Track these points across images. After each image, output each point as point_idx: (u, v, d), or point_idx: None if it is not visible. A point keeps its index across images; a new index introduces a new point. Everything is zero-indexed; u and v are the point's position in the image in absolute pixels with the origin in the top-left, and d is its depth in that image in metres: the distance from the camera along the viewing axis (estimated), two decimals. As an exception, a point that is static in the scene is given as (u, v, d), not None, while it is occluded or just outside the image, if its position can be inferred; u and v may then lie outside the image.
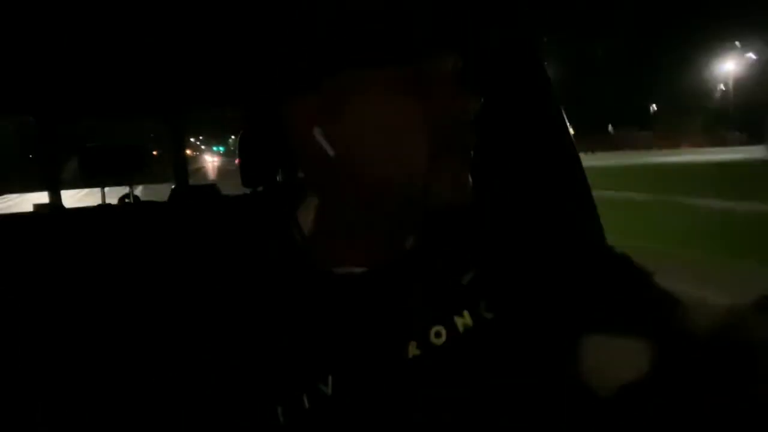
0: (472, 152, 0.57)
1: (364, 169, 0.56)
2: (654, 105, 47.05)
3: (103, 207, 2.14)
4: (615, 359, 0.53)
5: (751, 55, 38.25)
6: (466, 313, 0.56)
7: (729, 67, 41.25)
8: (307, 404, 0.53)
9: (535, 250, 0.59)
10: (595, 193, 1.06)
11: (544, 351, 0.55)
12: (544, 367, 0.55)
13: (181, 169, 2.56)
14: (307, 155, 0.58)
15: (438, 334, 0.55)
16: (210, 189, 2.34)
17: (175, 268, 0.67)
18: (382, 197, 0.56)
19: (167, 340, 0.59)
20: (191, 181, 2.83)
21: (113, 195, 2.62)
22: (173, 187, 2.46)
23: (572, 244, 0.61)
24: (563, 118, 1.02)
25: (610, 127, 43.36)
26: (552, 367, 0.55)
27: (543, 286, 0.57)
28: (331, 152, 0.57)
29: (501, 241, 0.61)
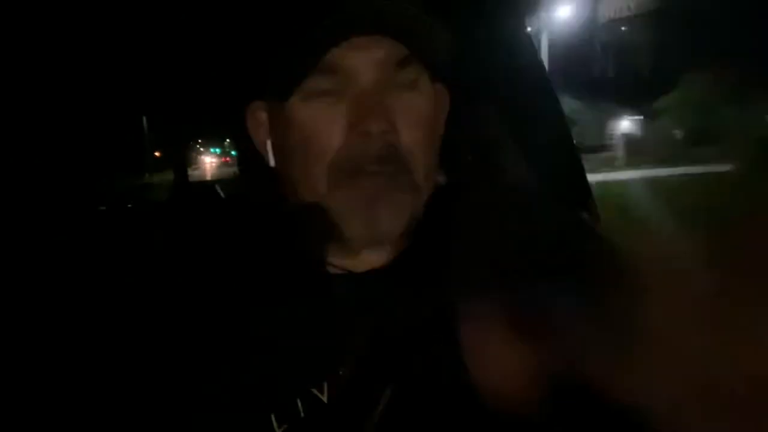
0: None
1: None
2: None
3: None
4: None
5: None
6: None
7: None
8: (301, 411, 0.51)
9: (535, 254, 0.55)
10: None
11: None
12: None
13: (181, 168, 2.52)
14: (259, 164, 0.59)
15: (434, 340, 0.52)
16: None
17: (168, 266, 0.65)
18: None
19: (163, 343, 0.56)
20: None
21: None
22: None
23: (572, 247, 0.57)
24: (561, 111, 0.99)
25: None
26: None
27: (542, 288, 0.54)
28: (272, 163, 0.58)
29: (500, 244, 0.57)
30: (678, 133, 13.70)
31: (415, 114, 0.55)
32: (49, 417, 1.04)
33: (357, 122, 0.52)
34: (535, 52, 1.00)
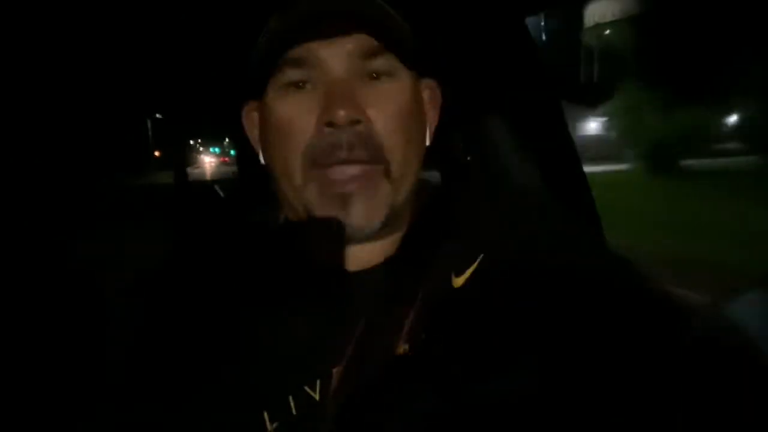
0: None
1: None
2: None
3: None
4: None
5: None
6: (458, 314, 0.52)
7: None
8: (294, 409, 0.49)
9: (536, 254, 0.54)
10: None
11: (545, 355, 0.50)
12: (547, 372, 0.50)
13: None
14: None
15: (429, 337, 0.51)
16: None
17: (165, 264, 0.63)
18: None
19: (158, 341, 0.54)
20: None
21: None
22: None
23: (573, 249, 0.56)
24: (562, 114, 0.96)
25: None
26: (554, 372, 0.50)
27: (544, 289, 0.52)
28: (262, 160, 0.57)
29: (497, 242, 0.56)
30: (613, 135, 14.07)
31: (388, 104, 0.53)
32: (49, 417, 1.03)
33: (325, 111, 0.51)
34: (536, 52, 0.97)
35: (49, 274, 1.35)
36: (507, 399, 0.49)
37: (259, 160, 0.63)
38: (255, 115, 0.61)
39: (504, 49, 0.97)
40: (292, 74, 0.53)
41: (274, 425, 0.49)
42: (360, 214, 0.52)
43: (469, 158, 0.98)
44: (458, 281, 0.53)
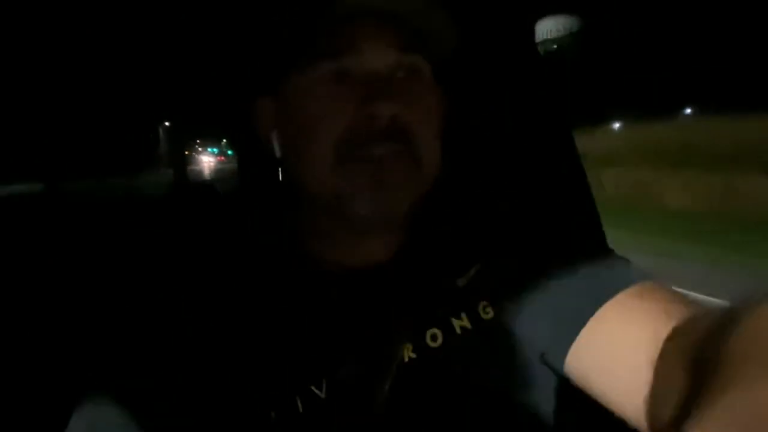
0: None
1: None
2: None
3: None
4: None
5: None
6: (464, 315, 0.48)
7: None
8: (300, 408, 0.46)
9: (536, 250, 0.51)
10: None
11: (544, 350, 0.47)
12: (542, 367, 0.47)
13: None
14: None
15: (434, 337, 0.48)
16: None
17: (171, 266, 0.56)
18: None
19: (162, 341, 0.49)
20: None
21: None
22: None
23: (573, 245, 0.53)
24: (566, 113, 0.88)
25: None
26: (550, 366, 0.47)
27: (545, 286, 0.48)
28: (278, 154, 0.52)
29: (500, 242, 0.52)
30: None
31: (421, 98, 0.51)
32: (50, 416, 0.90)
33: (366, 102, 0.48)
34: (538, 56, 0.89)
35: (49, 272, 1.22)
36: (510, 398, 0.46)
37: (261, 159, 0.58)
38: (269, 108, 0.55)
39: (507, 50, 0.89)
40: (329, 65, 0.49)
41: (281, 424, 0.46)
42: (390, 200, 0.48)
43: (469, 158, 0.88)
44: (462, 280, 0.50)
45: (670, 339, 0.38)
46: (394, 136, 0.48)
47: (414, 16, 0.49)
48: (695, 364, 0.30)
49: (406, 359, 0.47)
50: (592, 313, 0.46)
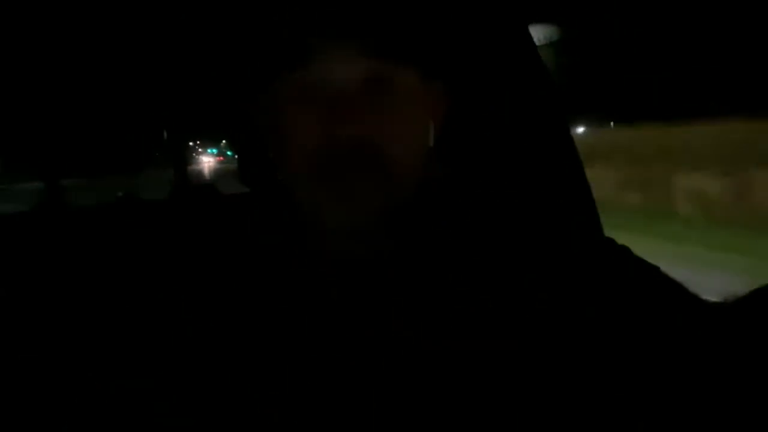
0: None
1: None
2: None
3: None
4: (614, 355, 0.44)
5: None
6: (463, 313, 0.47)
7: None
8: (300, 407, 0.45)
9: (532, 245, 0.50)
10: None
11: (545, 351, 0.46)
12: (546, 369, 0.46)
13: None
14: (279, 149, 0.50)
15: (434, 337, 0.47)
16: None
17: (172, 265, 0.55)
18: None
19: (164, 341, 0.48)
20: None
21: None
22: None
23: (570, 238, 0.52)
24: (562, 109, 0.86)
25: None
26: (552, 368, 0.46)
27: (541, 282, 0.47)
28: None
29: (499, 241, 0.51)
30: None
31: (395, 109, 0.48)
32: (50, 416, 0.86)
33: (331, 123, 0.46)
34: (538, 56, 0.86)
35: (49, 272, 1.18)
36: (512, 393, 0.45)
37: (262, 158, 0.57)
38: (268, 107, 0.54)
39: (507, 50, 0.85)
40: (300, 76, 0.47)
41: (284, 419, 0.45)
42: (360, 214, 0.47)
43: (470, 158, 0.86)
44: (461, 279, 0.49)
45: None
46: (360, 156, 0.46)
47: (385, 29, 0.47)
48: None
49: (405, 352, 0.46)
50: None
